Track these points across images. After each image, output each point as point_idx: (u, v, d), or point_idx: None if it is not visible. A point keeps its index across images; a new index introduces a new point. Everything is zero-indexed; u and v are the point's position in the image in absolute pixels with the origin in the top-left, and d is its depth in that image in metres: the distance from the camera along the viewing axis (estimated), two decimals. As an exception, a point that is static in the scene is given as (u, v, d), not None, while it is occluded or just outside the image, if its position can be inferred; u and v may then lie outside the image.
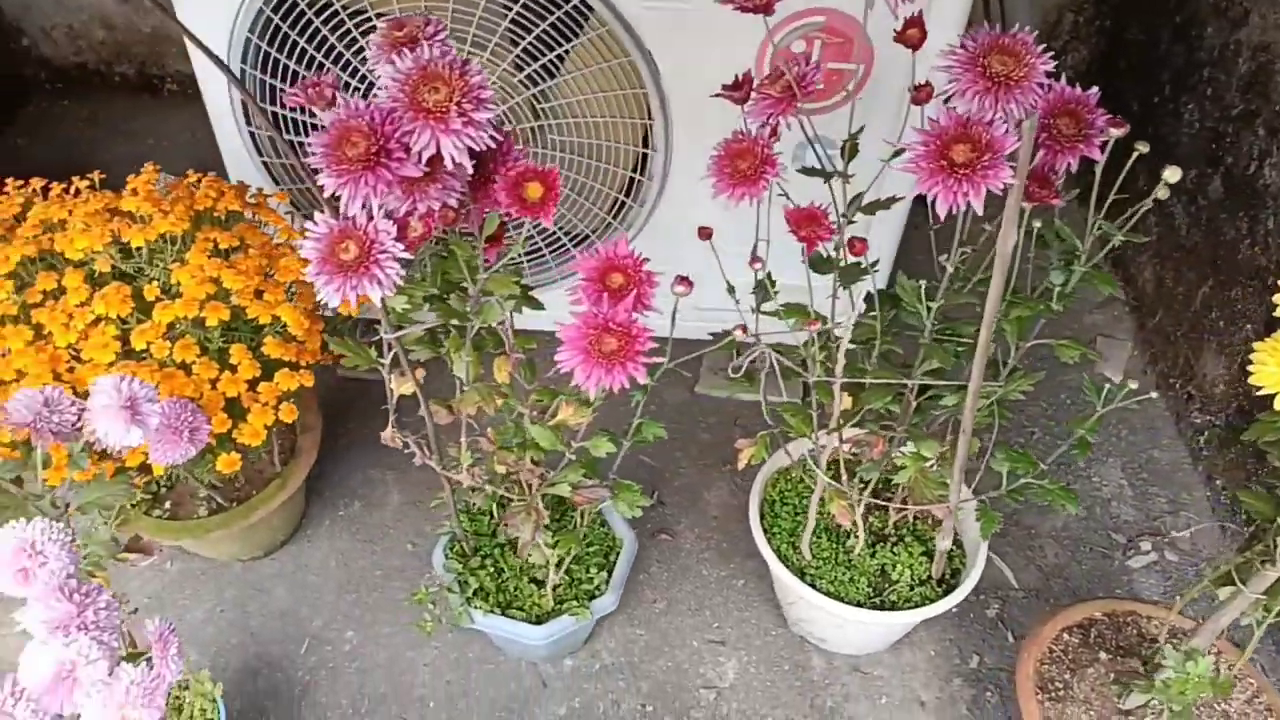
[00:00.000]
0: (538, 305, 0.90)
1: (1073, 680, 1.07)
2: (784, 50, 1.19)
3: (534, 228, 1.36)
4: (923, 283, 0.91)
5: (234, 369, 0.95)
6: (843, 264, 0.98)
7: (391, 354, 0.85)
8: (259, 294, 0.96)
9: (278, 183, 1.36)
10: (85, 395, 0.80)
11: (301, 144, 1.32)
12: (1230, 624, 0.95)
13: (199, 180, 1.10)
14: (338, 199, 0.67)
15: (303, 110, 1.26)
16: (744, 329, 0.88)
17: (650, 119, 1.26)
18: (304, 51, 1.19)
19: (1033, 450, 1.12)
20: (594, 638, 1.28)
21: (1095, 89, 0.80)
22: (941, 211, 0.75)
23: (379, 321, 0.81)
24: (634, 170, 1.33)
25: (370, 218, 0.70)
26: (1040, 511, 1.43)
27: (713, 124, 1.24)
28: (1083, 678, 1.07)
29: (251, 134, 1.31)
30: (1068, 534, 1.42)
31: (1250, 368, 0.75)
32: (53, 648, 0.65)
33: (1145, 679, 1.01)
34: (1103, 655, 1.09)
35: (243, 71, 1.23)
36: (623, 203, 1.36)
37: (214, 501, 1.17)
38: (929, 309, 0.91)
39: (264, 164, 1.34)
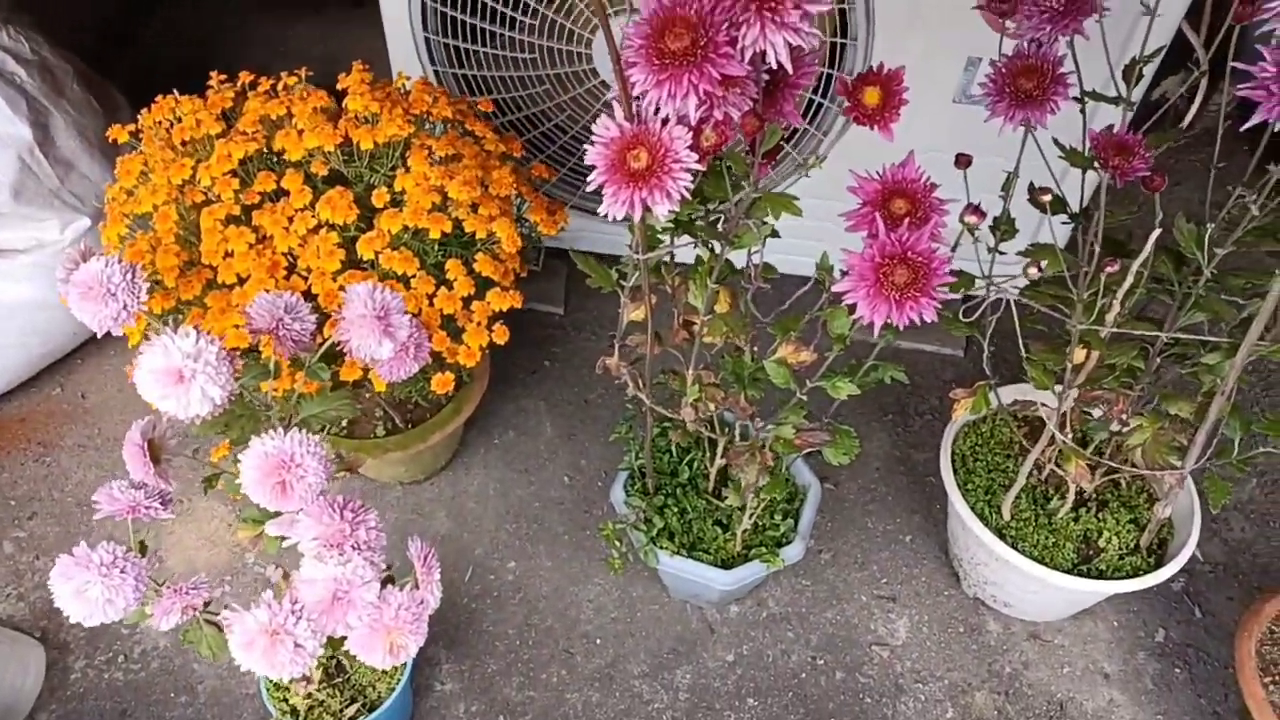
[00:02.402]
0: (776, 234, 0.83)
1: (1298, 665, 1.01)
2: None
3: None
4: (1210, 227, 0.82)
5: (449, 285, 0.91)
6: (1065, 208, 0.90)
7: (635, 277, 0.80)
8: (474, 208, 0.91)
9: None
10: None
11: (476, 53, 1.26)
12: None
13: (405, 83, 1.04)
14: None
15: (482, 14, 1.19)
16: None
17: (849, 38, 1.17)
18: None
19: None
20: (760, 585, 1.24)
21: None
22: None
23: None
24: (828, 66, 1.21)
25: (666, 122, 0.63)
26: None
27: (915, 30, 1.14)
28: (1308, 663, 1.01)
29: (426, 40, 1.25)
30: (1254, 508, 1.34)
31: None
32: (328, 566, 0.62)
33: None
34: (1329, 641, 1.02)
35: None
36: (819, 104, 1.25)
37: (390, 422, 1.14)
38: (1213, 256, 0.83)
39: (435, 72, 1.28)
